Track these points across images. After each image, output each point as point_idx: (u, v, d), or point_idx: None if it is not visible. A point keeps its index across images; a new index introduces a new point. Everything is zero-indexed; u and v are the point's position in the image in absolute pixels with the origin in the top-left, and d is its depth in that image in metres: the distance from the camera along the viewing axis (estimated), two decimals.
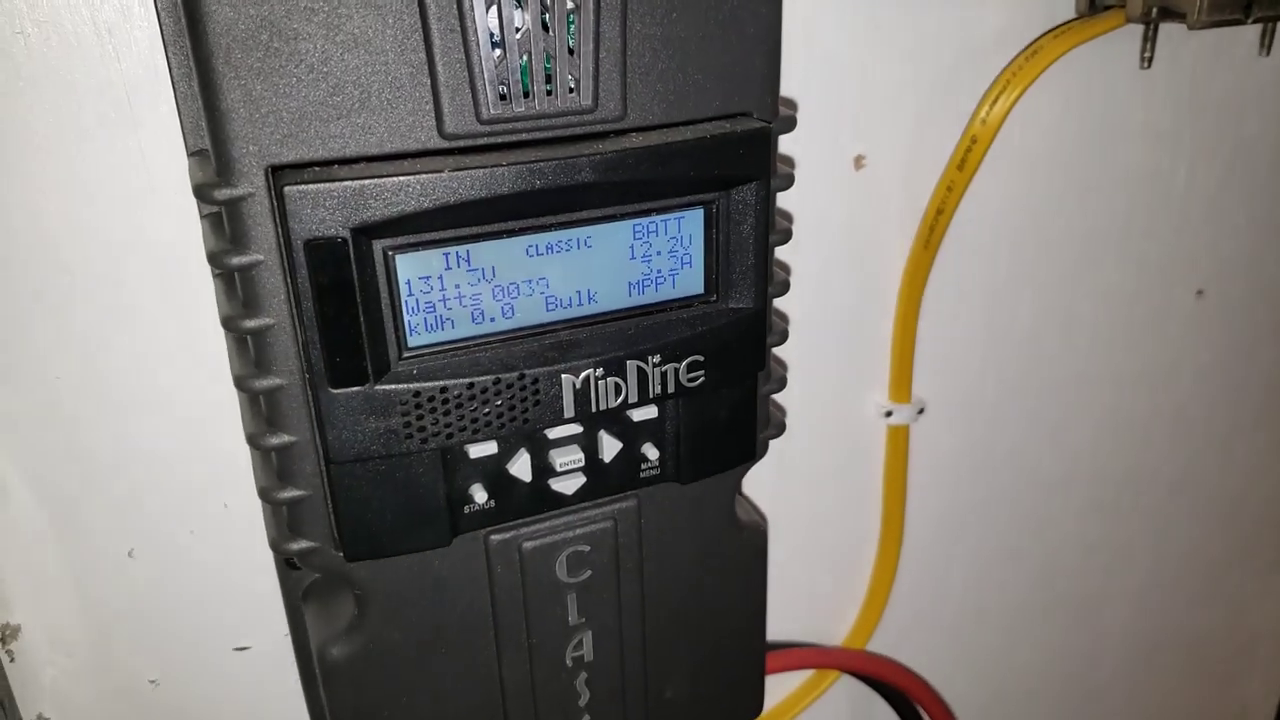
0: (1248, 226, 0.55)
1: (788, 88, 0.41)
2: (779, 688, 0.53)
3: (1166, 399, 0.59)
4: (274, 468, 0.30)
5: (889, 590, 0.53)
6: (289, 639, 0.40)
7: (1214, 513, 0.65)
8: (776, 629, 0.52)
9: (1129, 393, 0.57)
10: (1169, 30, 0.44)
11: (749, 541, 0.38)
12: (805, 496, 0.50)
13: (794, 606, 0.52)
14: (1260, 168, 0.54)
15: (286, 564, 0.36)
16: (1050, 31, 0.44)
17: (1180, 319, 0.56)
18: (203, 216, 0.31)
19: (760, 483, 0.47)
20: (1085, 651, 0.65)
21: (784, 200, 0.42)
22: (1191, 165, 0.51)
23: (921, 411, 0.50)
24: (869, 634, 0.54)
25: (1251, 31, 0.46)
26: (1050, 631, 0.63)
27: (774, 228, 0.33)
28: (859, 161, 0.44)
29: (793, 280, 0.43)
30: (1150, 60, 0.44)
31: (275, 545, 0.32)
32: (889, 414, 0.49)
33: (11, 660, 0.38)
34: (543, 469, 0.32)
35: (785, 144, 0.41)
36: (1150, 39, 0.44)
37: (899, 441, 0.50)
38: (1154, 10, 0.42)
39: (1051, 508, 0.58)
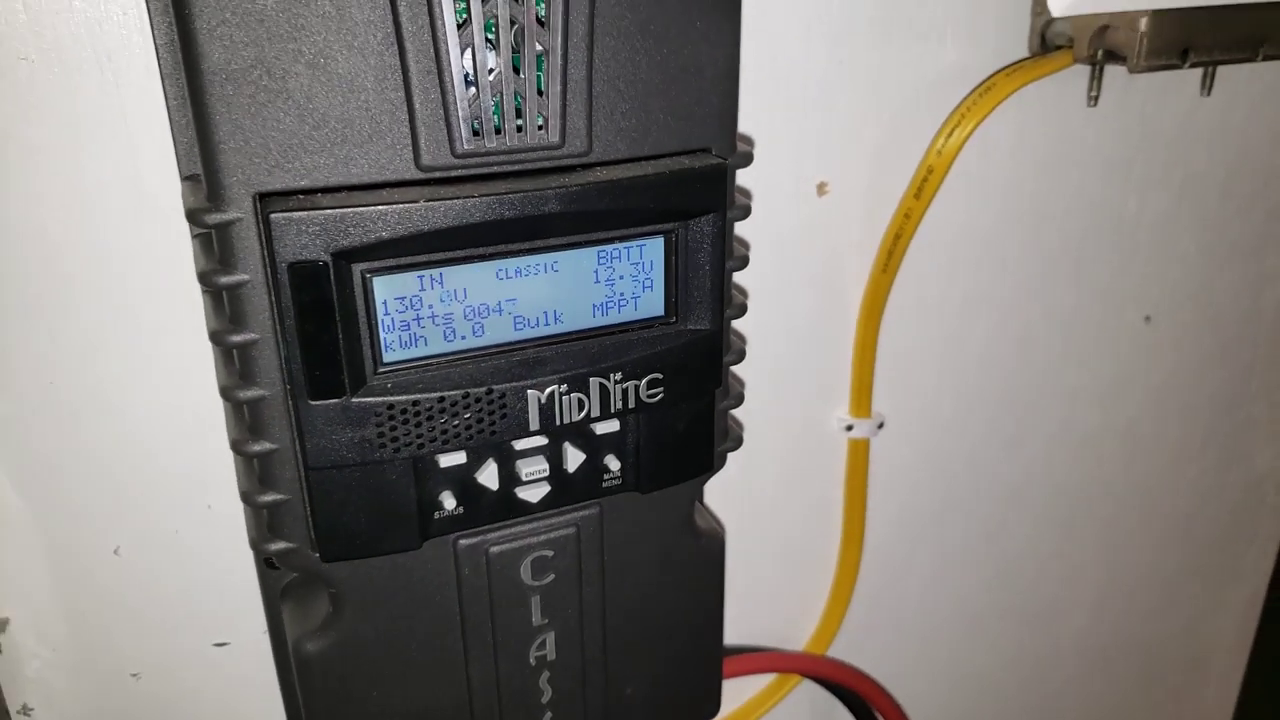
0: (1196, 255, 0.58)
1: (756, 117, 0.43)
2: (741, 692, 0.55)
3: (1118, 417, 0.61)
4: (256, 473, 0.32)
5: (849, 597, 0.55)
6: (267, 636, 0.42)
7: (1167, 527, 0.68)
8: (740, 634, 0.54)
9: (1082, 410, 0.59)
10: (1115, 71, 0.47)
11: (707, 548, 0.40)
12: (770, 506, 0.52)
13: (757, 612, 0.54)
14: (1207, 199, 0.56)
15: (266, 564, 0.38)
16: (1003, 69, 0.46)
17: (1130, 341, 0.58)
18: (194, 237, 0.33)
19: (726, 493, 0.49)
20: (1041, 660, 0.68)
21: (751, 223, 0.44)
22: (1141, 196, 0.54)
23: (881, 426, 0.52)
24: (830, 640, 0.56)
25: (1194, 73, 0.49)
26: (1006, 640, 0.65)
27: (731, 255, 0.35)
28: (822, 188, 0.47)
29: (759, 300, 0.46)
30: (1097, 99, 0.47)
31: (255, 545, 0.34)
32: (850, 428, 0.52)
33: (0, 652, 0.40)
34: (509, 478, 0.34)
35: (753, 169, 0.43)
36: (1097, 79, 0.46)
37: (859, 454, 0.52)
38: (1099, 52, 0.44)
39: (1007, 519, 0.61)
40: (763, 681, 0.56)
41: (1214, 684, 0.78)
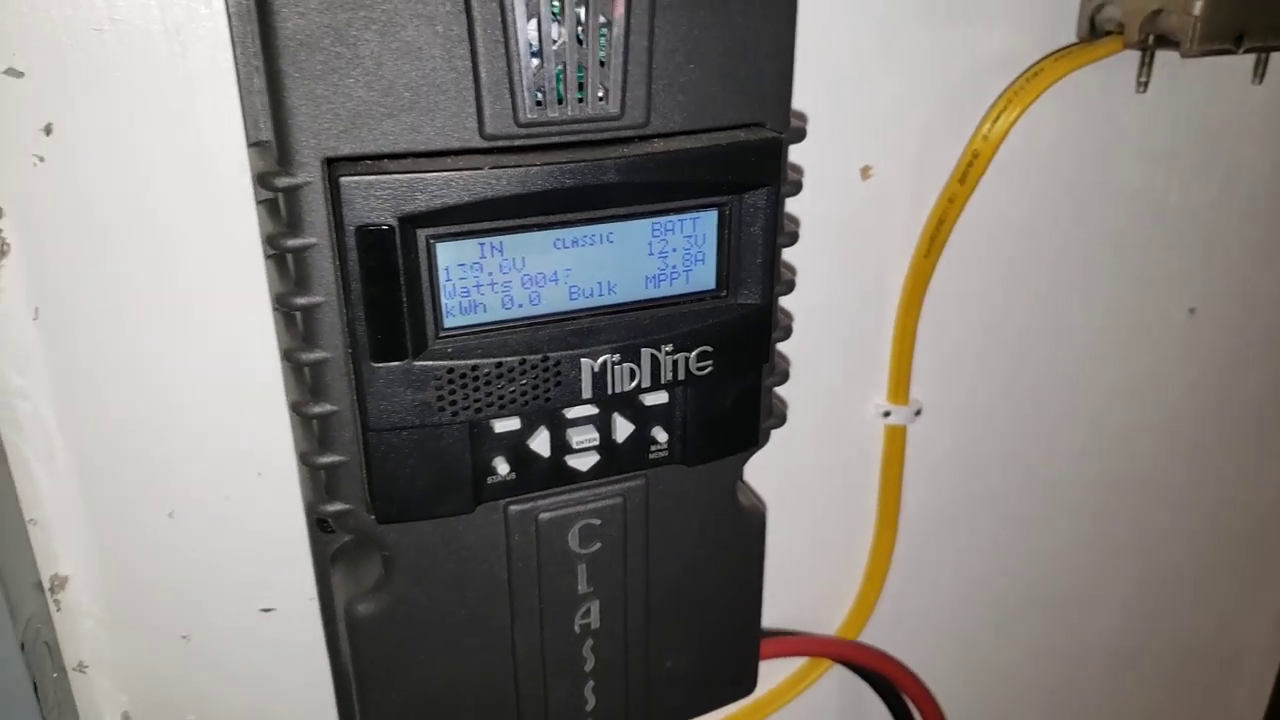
0: (1239, 248, 0.58)
1: (803, 102, 0.43)
2: (774, 674, 0.56)
3: (1157, 411, 0.61)
4: (315, 435, 0.33)
5: (882, 584, 0.55)
6: (311, 603, 0.43)
7: (1202, 524, 0.67)
8: (773, 617, 0.54)
9: (1120, 403, 0.59)
10: (1165, 56, 0.47)
11: (749, 523, 0.41)
12: (805, 491, 0.53)
13: (790, 596, 0.55)
14: (1254, 191, 0.56)
15: (319, 526, 0.38)
16: (1052, 54, 0.46)
17: (1171, 334, 0.58)
18: (259, 203, 0.34)
19: (762, 477, 0.50)
20: (1072, 654, 0.68)
21: (795, 206, 0.44)
22: (1186, 186, 0.54)
23: (918, 413, 0.53)
24: (861, 626, 0.56)
25: (1247, 60, 0.49)
26: (1038, 632, 0.65)
27: (782, 230, 0.36)
28: (866, 172, 0.47)
29: (800, 284, 0.46)
30: (1146, 85, 0.46)
31: (311, 507, 0.35)
32: (887, 414, 0.52)
33: (59, 609, 0.41)
34: (560, 446, 0.35)
35: (798, 154, 0.43)
36: (1147, 64, 0.46)
37: (896, 441, 0.53)
38: (1150, 38, 0.44)
39: (1042, 511, 0.61)
40: (794, 665, 0.56)
41: (1246, 683, 0.77)
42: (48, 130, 0.34)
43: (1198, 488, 0.66)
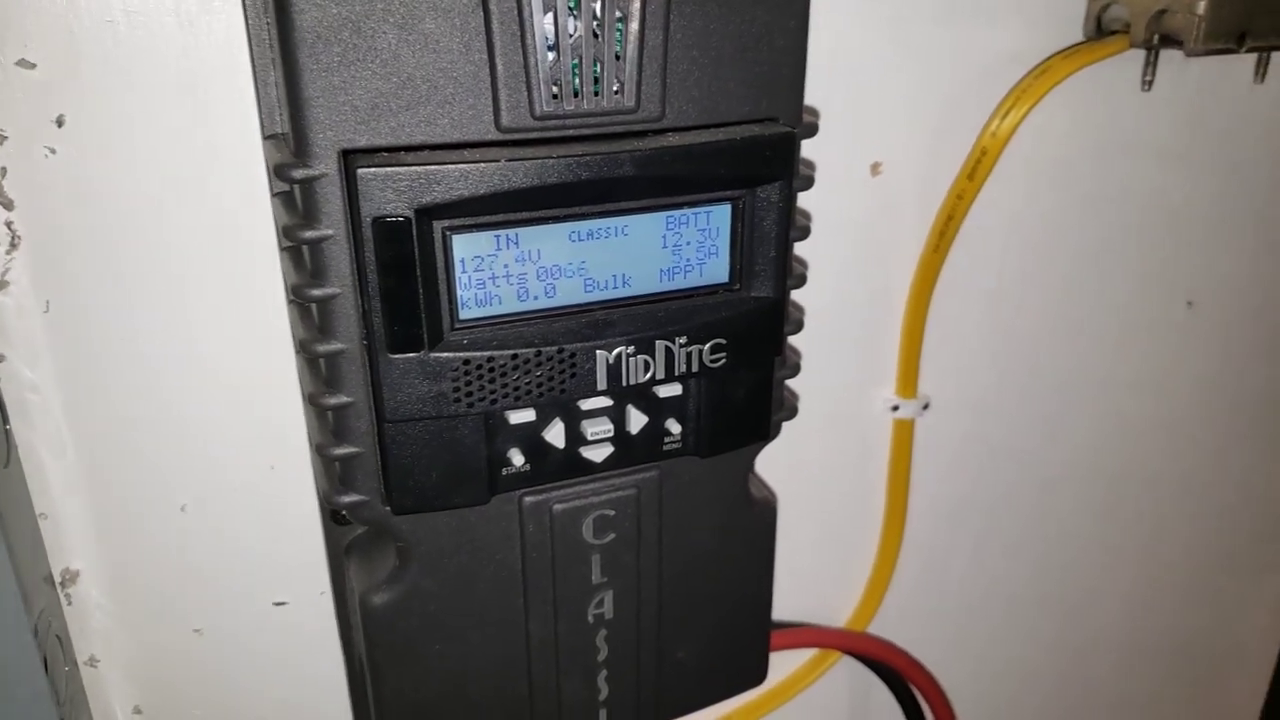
0: (1244, 246, 0.58)
1: (814, 98, 0.43)
2: (783, 665, 0.56)
3: (1162, 406, 0.61)
4: (330, 426, 0.33)
5: (890, 576, 0.56)
6: (324, 596, 0.43)
7: (1205, 518, 0.68)
8: (782, 609, 0.54)
9: (1127, 398, 0.60)
10: (1170, 56, 0.47)
11: (761, 516, 0.41)
12: (814, 484, 0.53)
13: (800, 588, 0.55)
14: (1258, 189, 0.56)
15: (333, 518, 0.39)
16: (1059, 53, 0.46)
17: (1176, 331, 0.59)
18: (274, 195, 0.34)
19: (771, 469, 0.50)
20: (1077, 646, 0.68)
21: (806, 201, 0.44)
22: (1191, 184, 0.54)
23: (926, 407, 0.53)
24: (870, 618, 0.57)
25: (1249, 60, 0.49)
26: (1044, 625, 0.65)
27: (794, 225, 0.36)
28: (876, 168, 0.47)
29: (811, 279, 0.46)
30: (1151, 83, 0.47)
31: (326, 498, 0.35)
32: (896, 408, 0.52)
33: (70, 603, 0.41)
34: (575, 437, 0.35)
35: (809, 149, 0.43)
36: (1151, 63, 0.46)
37: (904, 435, 0.53)
38: (1155, 37, 0.44)
39: (1048, 505, 0.61)
40: (803, 657, 0.57)
41: (1247, 677, 0.78)
42: (59, 122, 0.34)
43: (1200, 482, 0.66)
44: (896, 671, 0.57)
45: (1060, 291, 0.54)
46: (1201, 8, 0.43)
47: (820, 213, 0.46)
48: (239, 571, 0.43)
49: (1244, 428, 0.65)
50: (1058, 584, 0.64)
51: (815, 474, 0.53)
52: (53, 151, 0.34)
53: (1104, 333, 0.56)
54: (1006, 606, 0.63)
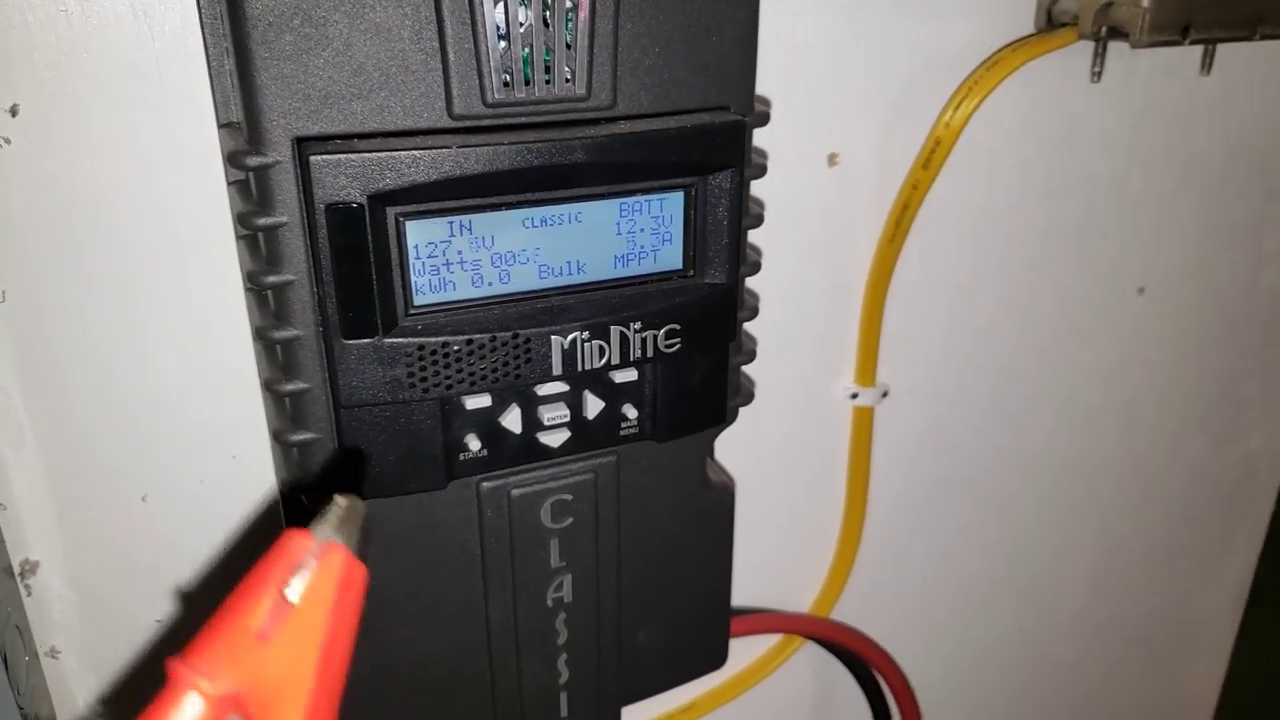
0: (1196, 234, 0.59)
1: (772, 90, 0.44)
2: (748, 652, 0.57)
3: (1118, 393, 0.62)
4: (288, 412, 0.33)
5: (852, 563, 0.57)
6: None
7: (1161, 502, 0.69)
8: (746, 596, 0.55)
9: (1082, 385, 0.61)
10: (1118, 48, 0.48)
11: (718, 499, 0.41)
12: (776, 472, 0.53)
13: (762, 576, 0.56)
14: (1208, 179, 0.57)
15: (294, 503, 0.39)
16: (1010, 45, 0.47)
17: (1129, 319, 0.60)
18: (230, 183, 0.34)
19: (734, 458, 0.50)
20: (1036, 629, 0.69)
21: (764, 191, 0.45)
22: (1143, 173, 0.55)
23: (885, 395, 0.54)
24: (832, 604, 0.57)
25: (1196, 51, 0.50)
26: (1004, 609, 0.67)
27: (747, 212, 0.36)
28: (833, 159, 0.48)
29: (770, 268, 0.47)
30: (1100, 75, 0.48)
31: (285, 485, 0.35)
32: (855, 396, 0.53)
33: (29, 594, 0.41)
34: (532, 423, 0.35)
35: (767, 139, 0.44)
36: (1100, 55, 0.47)
37: (864, 422, 0.54)
38: (1103, 29, 0.45)
39: (1007, 491, 0.62)
40: (768, 643, 0.57)
41: (1204, 658, 0.79)
42: (13, 112, 0.34)
43: (1155, 467, 0.67)
44: (859, 656, 0.58)
45: (1015, 279, 0.55)
46: (1146, 1, 0.44)
47: (779, 203, 0.46)
48: (201, 561, 0.43)
49: (1196, 412, 0.66)
50: (1016, 568, 0.65)
51: (777, 462, 0.53)
52: (7, 141, 0.34)
53: (1059, 322, 0.58)
54: (968, 592, 0.64)
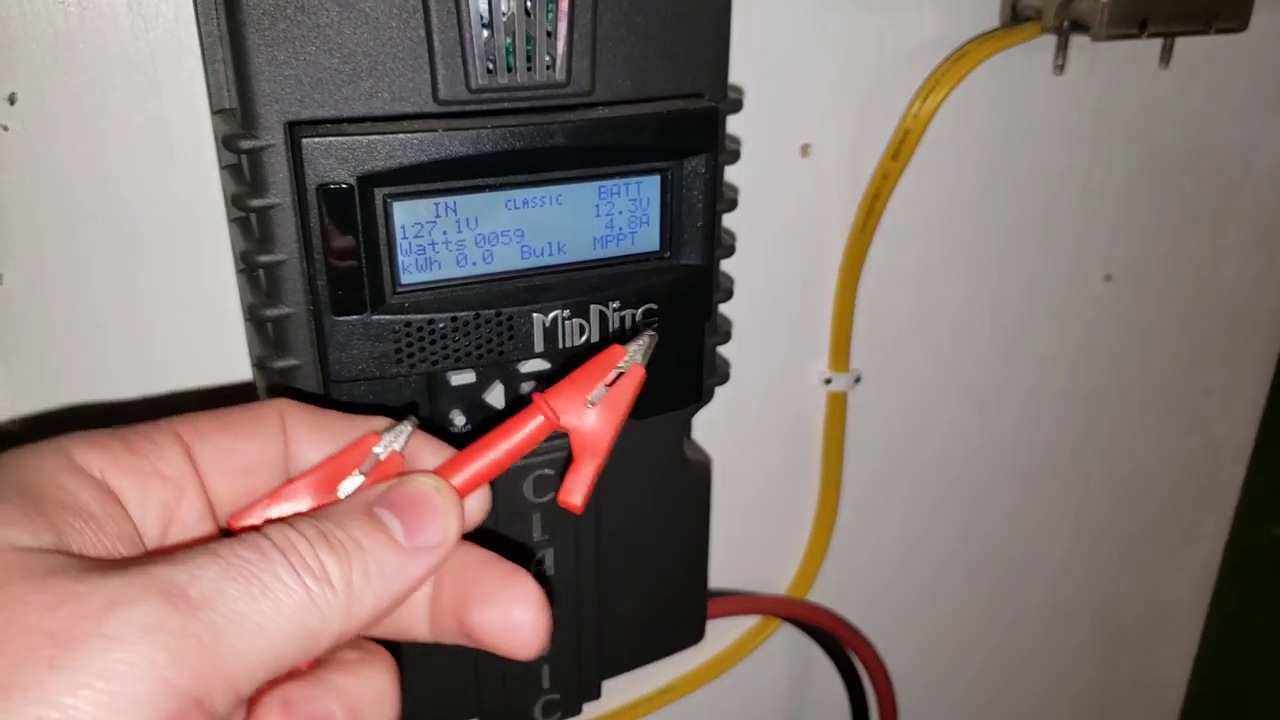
0: (1158, 225, 0.61)
1: (745, 84, 0.46)
2: (725, 633, 0.58)
3: (1084, 380, 0.64)
4: (279, 390, 0.35)
5: (827, 546, 0.58)
6: None
7: (1129, 491, 0.71)
8: (724, 578, 0.57)
9: (1050, 372, 0.63)
10: (1080, 41, 0.50)
11: (696, 476, 0.43)
12: (752, 457, 0.55)
13: (739, 558, 0.57)
14: (1170, 171, 0.59)
15: None
16: (976, 38, 0.49)
17: (1095, 306, 0.62)
18: (223, 167, 0.35)
19: (710, 442, 0.52)
20: (1007, 614, 0.71)
21: (740, 181, 0.46)
22: (1106, 165, 0.57)
23: (858, 380, 0.55)
24: (807, 587, 0.59)
25: (1156, 45, 0.52)
26: (975, 593, 0.68)
27: (721, 196, 0.38)
28: (806, 150, 0.49)
29: (746, 255, 0.48)
30: (1063, 67, 0.50)
31: None
32: (829, 381, 0.54)
33: None
34: (515, 399, 0.37)
35: (742, 133, 0.46)
36: (1062, 48, 0.49)
37: (838, 407, 0.55)
38: (1065, 23, 0.47)
39: (977, 476, 0.64)
40: (745, 625, 0.59)
41: (1172, 643, 0.81)
42: (11, 100, 0.35)
43: (1124, 454, 0.69)
44: (835, 637, 0.59)
45: (983, 267, 0.57)
46: None
47: (754, 192, 0.48)
48: None
49: (1162, 399, 0.68)
50: (987, 551, 0.67)
51: (752, 447, 0.55)
52: (5, 128, 0.35)
53: (1026, 310, 0.59)
54: (941, 576, 0.66)
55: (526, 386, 0.37)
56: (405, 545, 0.23)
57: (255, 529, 0.22)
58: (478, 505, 0.27)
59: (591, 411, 0.27)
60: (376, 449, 0.25)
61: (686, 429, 0.43)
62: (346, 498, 0.24)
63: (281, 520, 0.22)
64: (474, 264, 0.34)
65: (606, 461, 0.27)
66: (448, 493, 0.24)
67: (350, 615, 0.21)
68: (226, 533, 0.24)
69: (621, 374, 0.27)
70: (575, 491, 0.27)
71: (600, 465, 0.27)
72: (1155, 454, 0.71)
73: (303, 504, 0.24)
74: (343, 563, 0.21)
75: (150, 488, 0.24)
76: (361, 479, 0.25)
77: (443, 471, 0.26)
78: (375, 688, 0.24)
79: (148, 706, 0.17)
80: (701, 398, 0.41)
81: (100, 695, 0.17)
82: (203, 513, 0.25)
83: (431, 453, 0.27)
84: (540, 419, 0.27)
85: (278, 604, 0.20)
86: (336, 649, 0.23)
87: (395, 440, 0.26)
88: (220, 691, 0.19)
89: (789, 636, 0.60)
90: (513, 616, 0.25)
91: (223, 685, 0.19)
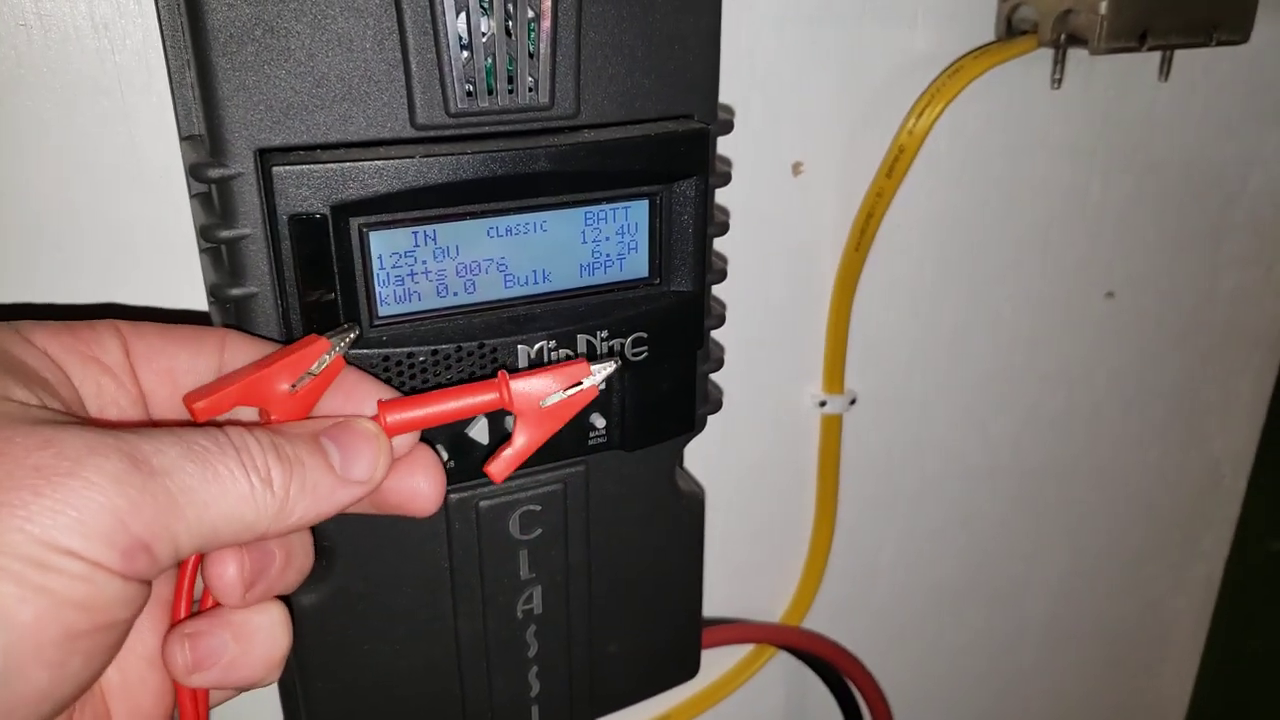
0: (1157, 240, 0.60)
1: (735, 100, 0.45)
2: (720, 662, 0.57)
3: (1083, 398, 0.63)
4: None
5: (822, 571, 0.57)
6: None
7: (1128, 509, 0.70)
8: (718, 606, 0.55)
9: (1049, 390, 0.61)
10: (1078, 55, 0.49)
11: (689, 508, 0.41)
12: (745, 482, 0.54)
13: (733, 586, 0.56)
14: (1168, 185, 0.58)
15: None
16: (971, 52, 0.48)
17: (1094, 323, 0.61)
18: (192, 196, 0.34)
19: (703, 468, 0.51)
20: (1007, 636, 0.70)
21: (731, 202, 0.45)
22: (1104, 179, 0.56)
23: (853, 402, 0.54)
24: (804, 614, 0.57)
25: (1154, 58, 0.51)
26: (974, 616, 0.67)
27: (712, 220, 0.37)
28: (797, 168, 0.48)
29: (737, 276, 0.47)
30: (1060, 81, 0.48)
31: None
32: (823, 404, 0.53)
33: None
34: (500, 434, 0.35)
35: (732, 153, 0.44)
36: (1060, 62, 0.48)
37: (832, 429, 0.54)
38: (1062, 36, 0.46)
39: (976, 497, 0.62)
40: (739, 653, 0.57)
41: (1173, 662, 0.80)
42: None
43: (1123, 473, 0.68)
44: (832, 665, 0.58)
45: (981, 285, 0.56)
46: (1103, 8, 0.45)
47: (745, 212, 0.47)
48: None
49: (1161, 416, 0.67)
50: (986, 575, 0.66)
51: (747, 471, 0.53)
52: None
53: (1024, 328, 0.58)
54: (939, 599, 0.65)
55: (510, 420, 0.35)
56: (339, 474, 0.26)
57: (217, 426, 0.25)
58: (406, 441, 0.29)
59: (542, 411, 0.29)
60: (326, 354, 0.28)
61: (678, 458, 0.41)
62: (298, 424, 0.27)
63: (242, 424, 0.26)
64: (455, 294, 0.33)
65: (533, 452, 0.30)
66: (384, 440, 0.27)
67: (280, 518, 0.25)
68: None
69: (580, 388, 0.29)
70: (500, 467, 0.30)
71: (528, 454, 0.30)
72: (1154, 472, 0.69)
73: (256, 394, 0.27)
74: (285, 473, 0.25)
75: (89, 370, 0.27)
76: (310, 377, 0.27)
77: (391, 406, 0.28)
78: (268, 617, 0.27)
79: (107, 537, 0.21)
80: (694, 427, 0.39)
81: (73, 522, 0.21)
82: (135, 399, 0.28)
83: (373, 387, 0.29)
84: (494, 395, 0.28)
85: (224, 489, 0.23)
86: (262, 543, 0.26)
87: (340, 343, 0.28)
88: (165, 545, 0.22)
89: (785, 664, 0.59)
90: (419, 486, 0.29)
91: (168, 540, 0.22)
